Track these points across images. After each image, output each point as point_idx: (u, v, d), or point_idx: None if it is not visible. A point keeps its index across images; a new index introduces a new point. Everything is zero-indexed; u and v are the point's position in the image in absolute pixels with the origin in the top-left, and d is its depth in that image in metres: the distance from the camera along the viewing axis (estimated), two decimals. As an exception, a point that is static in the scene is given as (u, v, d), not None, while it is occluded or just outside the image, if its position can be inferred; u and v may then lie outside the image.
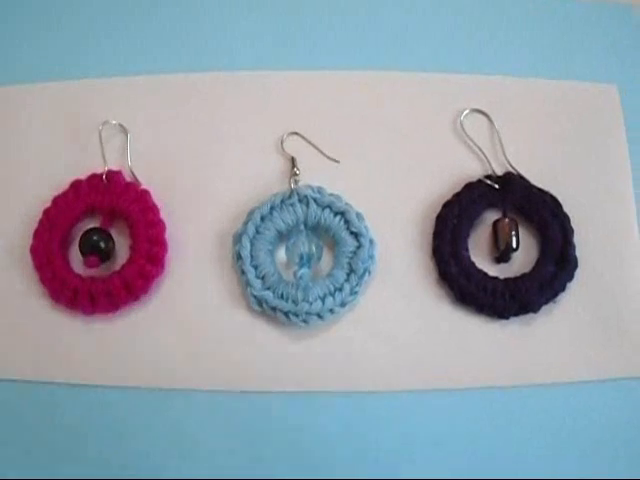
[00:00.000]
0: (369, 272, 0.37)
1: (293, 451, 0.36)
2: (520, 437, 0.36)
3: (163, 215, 0.38)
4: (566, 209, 0.38)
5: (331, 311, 0.36)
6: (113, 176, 0.39)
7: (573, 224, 0.38)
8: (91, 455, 0.35)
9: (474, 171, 0.40)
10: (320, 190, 0.38)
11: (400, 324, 0.37)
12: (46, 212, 0.38)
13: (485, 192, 0.39)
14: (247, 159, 0.40)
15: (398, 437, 0.36)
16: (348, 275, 0.37)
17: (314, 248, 0.37)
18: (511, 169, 0.39)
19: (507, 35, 0.43)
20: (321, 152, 0.40)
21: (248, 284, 0.36)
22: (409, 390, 0.36)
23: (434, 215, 0.38)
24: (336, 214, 0.38)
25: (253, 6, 0.43)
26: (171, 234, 0.38)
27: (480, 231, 0.39)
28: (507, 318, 0.37)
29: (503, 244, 0.38)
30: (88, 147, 0.40)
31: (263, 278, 0.37)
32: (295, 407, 0.36)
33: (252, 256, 0.37)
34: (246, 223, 0.37)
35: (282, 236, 0.38)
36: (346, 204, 0.38)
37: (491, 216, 0.39)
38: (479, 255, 0.38)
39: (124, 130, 0.40)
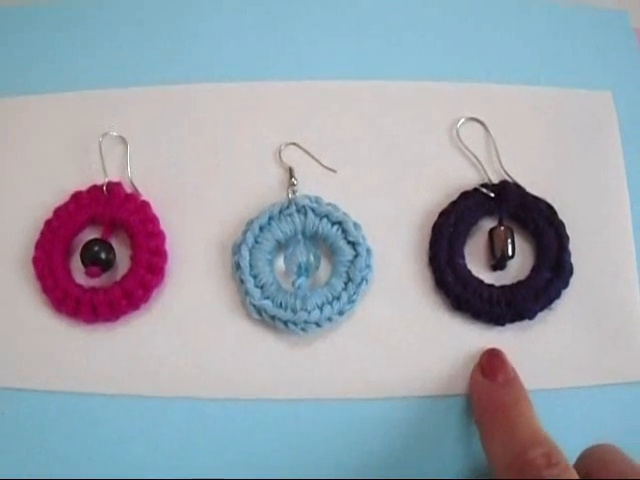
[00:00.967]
0: (366, 281, 0.37)
1: (292, 459, 0.36)
2: (516, 443, 0.37)
3: (163, 225, 0.39)
4: (561, 216, 0.39)
5: (329, 319, 0.37)
6: (113, 187, 0.39)
7: (568, 231, 0.38)
8: (91, 464, 0.36)
9: (470, 179, 0.40)
10: (318, 200, 0.38)
11: (397, 332, 0.37)
12: (47, 223, 0.38)
13: (481, 200, 0.39)
14: (246, 169, 0.40)
15: (397, 444, 0.36)
16: (346, 284, 0.37)
17: (312, 257, 0.37)
18: (507, 177, 0.40)
19: (502, 43, 0.43)
20: (318, 162, 0.40)
21: (247, 293, 0.37)
22: (406, 397, 0.37)
23: (430, 224, 0.39)
24: (333, 224, 0.38)
25: (250, 17, 0.44)
26: (171, 244, 0.39)
27: (476, 239, 0.39)
28: (503, 325, 0.37)
29: (499, 252, 0.38)
30: (88, 158, 0.40)
31: (262, 287, 0.37)
32: (294, 414, 0.36)
33: (251, 266, 0.37)
34: (245, 233, 0.38)
35: (280, 246, 0.38)
36: (343, 214, 0.38)
37: (487, 224, 0.39)
38: (475, 263, 0.39)
39: (124, 141, 0.40)
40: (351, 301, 0.37)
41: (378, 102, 0.42)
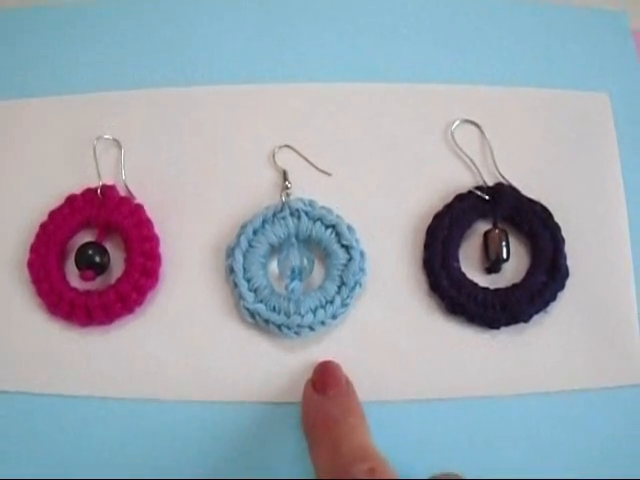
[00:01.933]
0: (360, 284, 0.37)
1: (287, 461, 0.36)
2: (511, 447, 0.36)
3: (157, 228, 0.39)
4: (557, 219, 0.38)
5: (322, 323, 0.37)
6: (107, 190, 0.39)
7: (564, 233, 0.38)
8: (85, 467, 0.36)
9: (465, 182, 0.40)
10: (311, 203, 0.38)
11: (391, 335, 0.37)
12: (42, 226, 0.38)
13: (475, 203, 0.39)
14: (239, 172, 0.40)
15: (389, 447, 0.36)
16: (339, 288, 0.37)
17: (306, 261, 0.37)
18: (502, 179, 0.40)
19: (497, 45, 0.43)
20: (313, 165, 0.40)
21: (241, 297, 0.37)
22: (400, 401, 0.37)
23: (425, 227, 0.39)
24: (327, 227, 0.38)
25: (244, 20, 0.44)
26: (165, 247, 0.39)
27: (471, 242, 0.39)
28: (498, 328, 0.37)
29: (493, 255, 0.38)
30: (83, 161, 0.40)
31: (255, 291, 0.37)
32: (289, 417, 0.36)
33: (245, 269, 0.37)
34: (238, 237, 0.38)
35: (274, 249, 0.38)
36: (337, 217, 0.38)
37: (482, 227, 0.39)
38: (470, 266, 0.39)
39: (118, 144, 0.40)
40: (344, 305, 0.37)
41: (372, 105, 0.41)
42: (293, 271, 0.37)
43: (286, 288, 0.37)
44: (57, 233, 0.38)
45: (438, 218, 0.39)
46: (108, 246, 0.39)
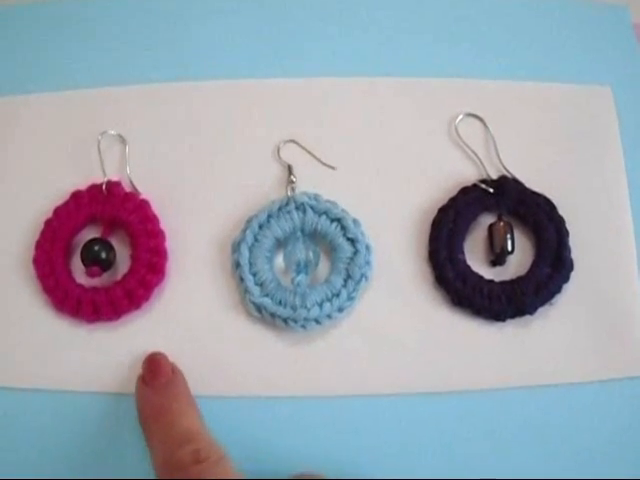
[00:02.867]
0: (366, 278, 0.37)
1: (293, 455, 0.36)
2: (518, 439, 0.36)
3: (163, 224, 0.39)
4: (561, 211, 0.39)
5: (329, 316, 0.37)
6: (113, 186, 0.39)
7: (568, 226, 0.38)
8: (93, 463, 0.36)
9: (469, 175, 0.40)
10: (316, 197, 0.38)
11: (397, 328, 0.37)
12: (48, 223, 0.38)
13: (480, 196, 0.39)
14: (245, 167, 0.40)
15: (397, 440, 0.36)
16: (345, 281, 0.37)
17: (311, 255, 0.38)
18: (506, 172, 0.40)
19: (500, 38, 0.43)
20: (317, 159, 0.40)
21: (247, 291, 0.37)
22: (407, 394, 0.37)
23: (430, 220, 0.39)
24: (332, 221, 0.38)
25: (249, 14, 0.44)
26: (171, 243, 0.39)
27: (475, 235, 0.39)
28: (504, 321, 0.37)
29: (498, 247, 0.38)
30: (87, 157, 0.40)
31: (262, 285, 0.37)
32: (295, 411, 0.36)
33: (250, 263, 0.37)
34: (244, 231, 0.38)
35: (280, 243, 0.38)
36: (342, 210, 0.38)
37: (486, 220, 0.39)
38: (475, 259, 0.39)
39: (123, 140, 0.41)
40: (350, 298, 0.37)
41: (377, 99, 0.42)
42: (299, 265, 0.37)
43: (292, 282, 0.37)
44: (62, 229, 0.38)
45: (443, 211, 0.39)
46: (114, 242, 0.39)
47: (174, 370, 0.36)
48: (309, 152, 0.40)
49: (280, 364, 0.37)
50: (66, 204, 0.39)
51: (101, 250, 0.38)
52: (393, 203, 0.40)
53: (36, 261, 0.38)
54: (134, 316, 0.38)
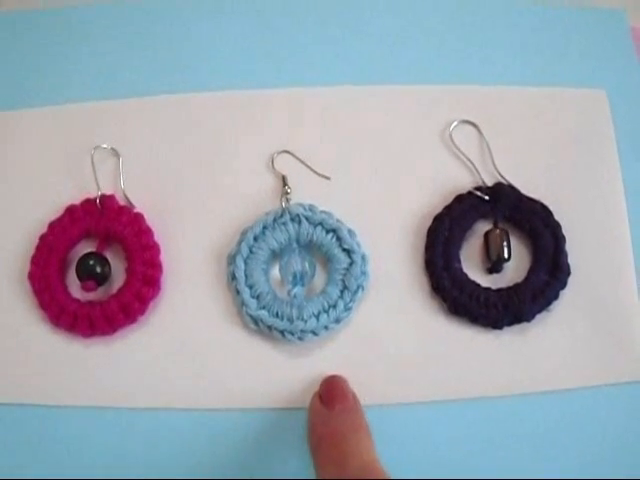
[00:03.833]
0: (362, 288, 0.37)
1: (290, 467, 0.36)
2: (516, 446, 0.36)
3: (157, 237, 0.39)
4: (557, 217, 0.39)
5: (326, 328, 0.37)
6: (106, 200, 0.39)
7: (565, 232, 0.38)
8: (90, 476, 0.36)
9: (464, 183, 0.40)
10: (311, 208, 0.38)
11: (394, 338, 0.37)
12: (42, 238, 0.38)
13: (475, 204, 0.39)
14: (239, 179, 0.40)
15: (394, 450, 0.36)
16: (342, 292, 0.37)
17: (307, 266, 0.37)
18: (501, 179, 0.40)
19: (494, 44, 0.43)
20: (312, 169, 0.40)
21: (243, 304, 0.37)
22: (405, 403, 0.37)
23: (425, 228, 0.39)
24: (328, 231, 0.38)
25: (241, 26, 0.43)
26: (166, 256, 0.38)
27: (471, 242, 0.39)
28: (501, 328, 0.37)
29: (495, 255, 0.38)
30: (81, 172, 0.40)
31: (258, 297, 0.37)
32: (294, 423, 0.36)
33: (246, 276, 0.37)
34: (239, 243, 0.38)
35: (275, 255, 0.38)
36: (337, 221, 0.38)
37: (482, 227, 0.39)
38: (471, 267, 0.39)
39: (116, 153, 0.40)
40: (347, 309, 0.37)
41: (370, 107, 0.41)
42: (295, 276, 0.37)
43: (288, 294, 0.37)
44: (57, 244, 0.38)
45: (438, 219, 0.39)
46: (109, 256, 0.38)
47: (354, 397, 0.35)
48: (303, 162, 0.40)
49: (278, 376, 0.37)
50: (60, 219, 0.39)
51: (96, 264, 0.38)
52: (388, 212, 0.39)
53: (31, 276, 0.38)
54: (130, 330, 0.38)
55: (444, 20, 0.44)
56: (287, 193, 0.39)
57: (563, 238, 0.38)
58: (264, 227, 0.38)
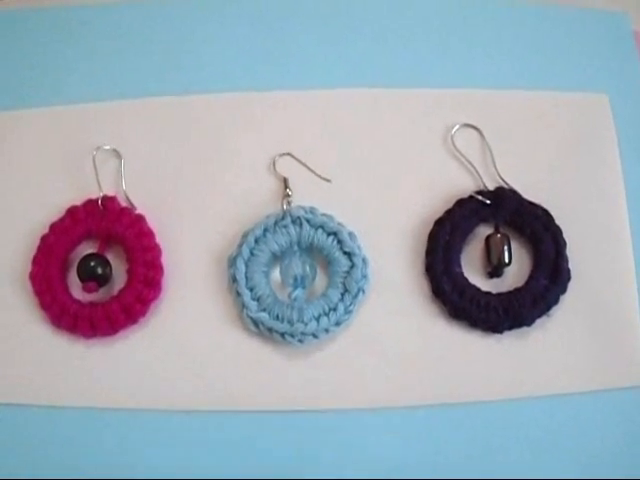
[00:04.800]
0: (363, 291, 0.37)
1: (291, 470, 0.36)
2: (516, 450, 0.36)
3: (159, 238, 0.39)
4: (558, 222, 0.39)
5: (326, 331, 0.37)
6: (108, 201, 0.39)
7: (566, 236, 0.38)
8: (90, 477, 0.36)
9: (466, 187, 0.40)
10: (312, 210, 0.38)
11: (395, 341, 0.37)
12: (44, 239, 0.38)
13: (477, 208, 0.39)
14: (240, 181, 0.40)
15: (396, 454, 0.36)
16: (342, 295, 0.37)
17: (308, 269, 0.37)
18: (502, 183, 0.39)
19: (496, 48, 0.43)
20: (313, 172, 0.40)
21: (244, 306, 0.37)
22: (405, 406, 0.37)
23: (426, 232, 0.39)
24: (329, 234, 0.38)
25: (243, 28, 0.44)
26: (167, 257, 0.39)
27: (472, 247, 0.39)
28: (501, 332, 0.37)
29: (495, 259, 0.38)
30: (83, 173, 0.40)
31: (259, 300, 0.37)
32: (293, 426, 0.36)
33: (247, 278, 0.37)
34: (240, 246, 0.38)
35: (276, 257, 0.38)
36: (338, 224, 0.38)
37: (483, 231, 0.39)
38: (472, 271, 0.39)
39: (118, 155, 0.40)
40: (348, 312, 0.37)
41: (372, 110, 0.41)
42: (295, 279, 0.37)
43: (289, 296, 0.37)
44: (59, 245, 0.38)
45: (439, 223, 0.39)
46: (110, 257, 0.39)
47: None
48: (305, 165, 0.40)
49: (278, 379, 0.37)
50: (62, 220, 0.39)
51: (97, 265, 0.38)
52: (389, 215, 0.39)
53: (33, 277, 0.38)
54: (131, 331, 0.38)
55: (446, 24, 0.44)
56: (288, 196, 0.39)
57: (564, 243, 0.38)
58: (265, 229, 0.38)
